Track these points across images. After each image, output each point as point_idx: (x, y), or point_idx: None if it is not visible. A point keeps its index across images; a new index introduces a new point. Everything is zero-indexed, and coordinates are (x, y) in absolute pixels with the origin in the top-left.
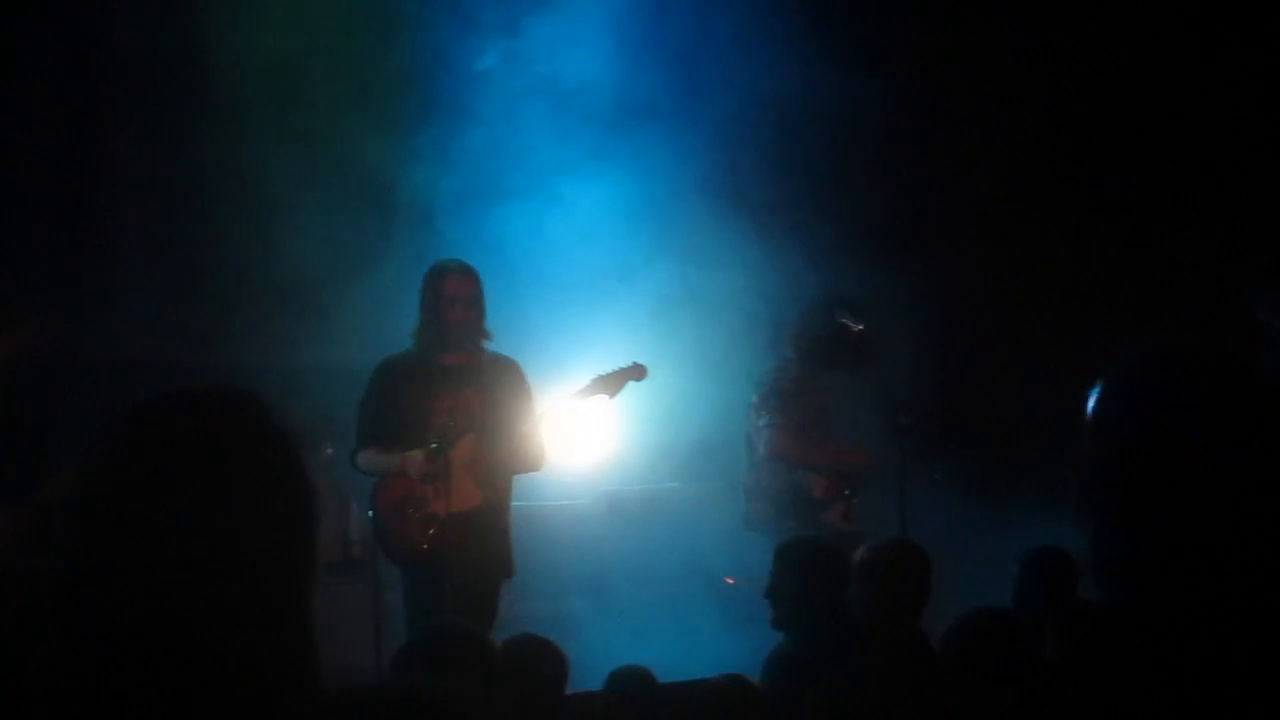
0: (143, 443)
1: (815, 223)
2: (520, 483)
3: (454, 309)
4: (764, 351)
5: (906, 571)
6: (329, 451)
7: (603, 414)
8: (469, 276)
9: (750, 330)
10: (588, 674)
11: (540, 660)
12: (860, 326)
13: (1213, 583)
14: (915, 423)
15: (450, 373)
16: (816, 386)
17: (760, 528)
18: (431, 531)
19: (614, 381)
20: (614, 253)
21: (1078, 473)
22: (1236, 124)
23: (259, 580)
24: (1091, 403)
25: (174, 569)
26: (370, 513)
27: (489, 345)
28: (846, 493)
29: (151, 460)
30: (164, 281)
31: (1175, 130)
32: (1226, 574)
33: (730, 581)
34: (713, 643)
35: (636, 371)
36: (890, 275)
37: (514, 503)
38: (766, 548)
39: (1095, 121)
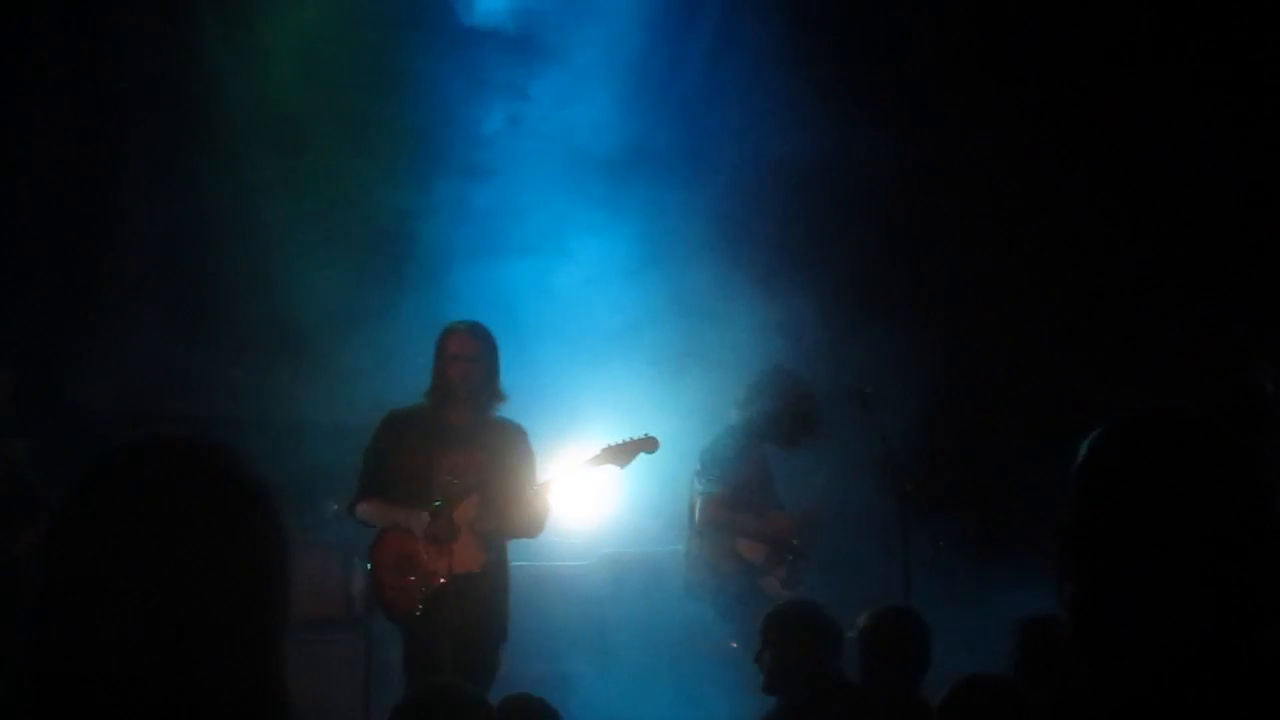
0: (108, 491)
1: (823, 281)
2: (523, 543)
3: (455, 366)
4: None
5: (907, 638)
6: (333, 507)
7: (607, 477)
8: (473, 335)
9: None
10: None
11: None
12: (869, 389)
13: (1190, 653)
14: (918, 489)
15: (455, 431)
16: (761, 453)
17: (703, 597)
18: (432, 586)
19: (624, 452)
20: (621, 309)
21: (1059, 534)
22: (1247, 193)
23: (224, 631)
24: (1077, 462)
25: (138, 617)
26: (368, 566)
27: (502, 407)
28: (790, 558)
29: (116, 508)
30: (163, 330)
31: (1186, 196)
32: (1205, 644)
33: (735, 646)
34: (715, 706)
35: (648, 444)
36: (896, 335)
37: (516, 563)
38: (711, 618)
39: (1104, 188)
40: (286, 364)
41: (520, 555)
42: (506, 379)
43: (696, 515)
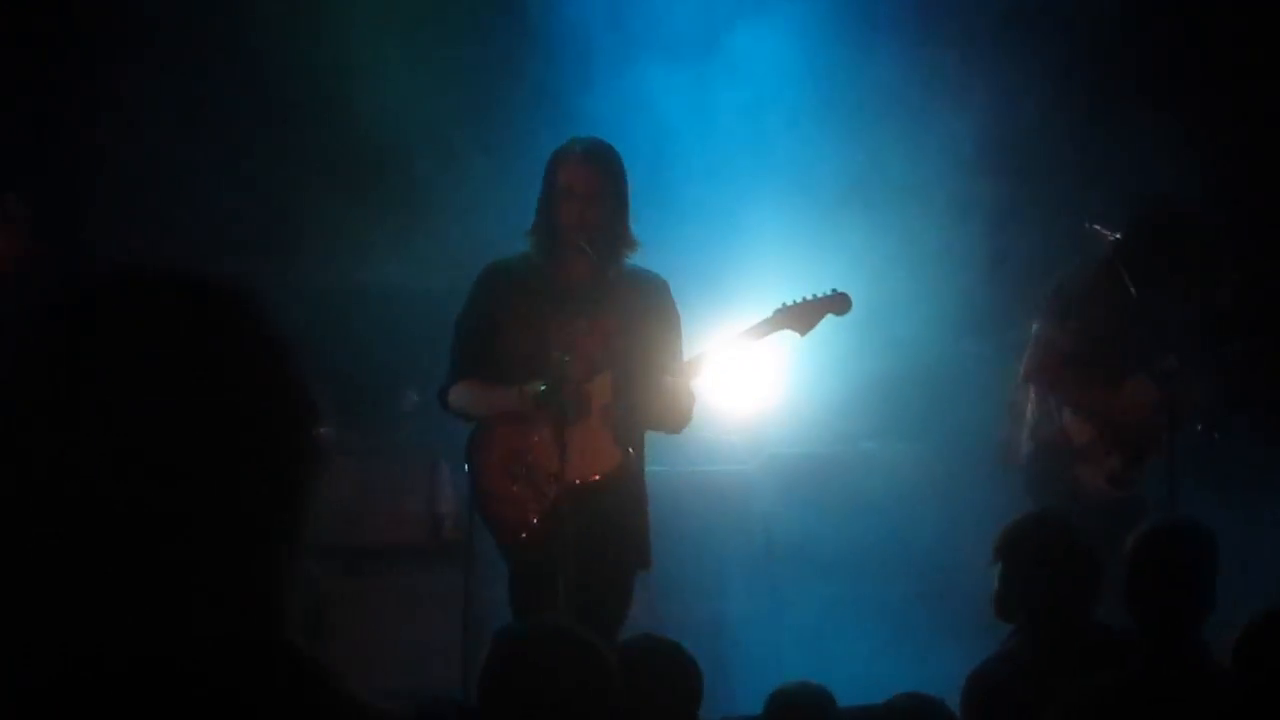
0: (79, 330)
1: (1052, 73)
2: (662, 443)
3: (567, 205)
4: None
5: (1180, 567)
6: (414, 398)
7: (777, 350)
8: (593, 164)
9: (966, 228)
10: (750, 693)
11: (666, 672)
12: (1114, 236)
13: None
14: (1183, 365)
15: (575, 290)
16: (1131, 302)
17: (1014, 463)
18: (551, 495)
19: (807, 314)
20: (796, 126)
21: None
22: None
23: (208, 524)
24: None
25: (98, 489)
26: (465, 468)
27: (636, 257)
28: (1133, 447)
29: (90, 349)
30: (205, 171)
31: None
32: None
33: None
34: (920, 657)
35: (837, 303)
36: (1148, 148)
37: (653, 468)
38: (927, 537)
39: None
40: (357, 203)
41: (659, 458)
42: (644, 221)
43: (1022, 362)
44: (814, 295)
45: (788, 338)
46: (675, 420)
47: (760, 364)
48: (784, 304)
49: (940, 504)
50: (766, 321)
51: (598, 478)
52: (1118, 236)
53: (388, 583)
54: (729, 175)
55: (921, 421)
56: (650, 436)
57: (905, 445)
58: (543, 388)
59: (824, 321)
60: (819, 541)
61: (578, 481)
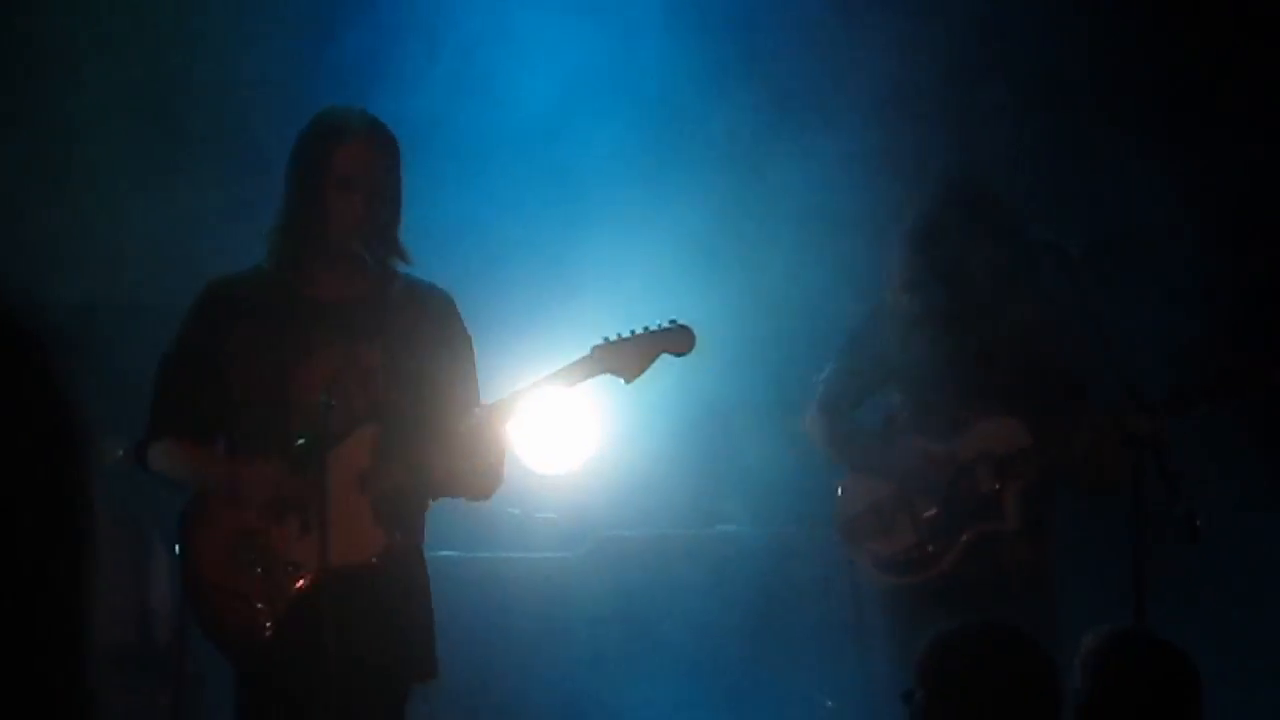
0: None
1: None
2: (451, 523)
3: (343, 199)
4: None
5: (1159, 691)
6: (117, 451)
7: (607, 405)
8: (377, 144)
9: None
10: None
11: None
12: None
13: None
14: (1163, 429)
15: (331, 312)
16: (920, 334)
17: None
18: (290, 596)
19: (634, 353)
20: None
21: None
22: None
23: None
24: None
25: None
26: (177, 552)
27: (402, 268)
28: (917, 520)
29: None
30: None
31: None
32: None
33: (831, 706)
34: None
35: (676, 339)
36: (1129, 161)
37: (441, 553)
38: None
39: None
40: (30, 184)
41: (449, 540)
42: (415, 217)
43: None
44: (645, 328)
45: (611, 384)
46: (484, 481)
47: (586, 419)
48: (606, 339)
49: (829, 606)
50: (583, 362)
51: (359, 562)
52: (1077, 252)
53: None
54: (534, 161)
55: (804, 499)
56: (433, 513)
57: (781, 529)
58: (300, 441)
59: (663, 363)
60: (669, 647)
61: (331, 570)
